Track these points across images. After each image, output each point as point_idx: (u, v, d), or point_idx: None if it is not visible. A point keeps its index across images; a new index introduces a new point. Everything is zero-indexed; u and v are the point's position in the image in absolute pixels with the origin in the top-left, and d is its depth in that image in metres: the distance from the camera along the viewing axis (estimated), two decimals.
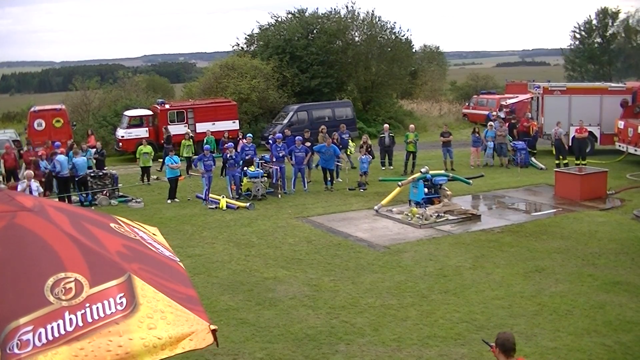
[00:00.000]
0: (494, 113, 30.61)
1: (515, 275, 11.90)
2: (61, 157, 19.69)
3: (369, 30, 39.62)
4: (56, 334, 4.35)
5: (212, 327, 4.75)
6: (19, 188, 16.43)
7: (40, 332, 4.32)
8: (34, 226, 5.04)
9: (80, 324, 4.44)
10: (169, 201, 19.75)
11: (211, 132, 26.55)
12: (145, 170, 22.89)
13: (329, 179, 20.99)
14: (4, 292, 4.54)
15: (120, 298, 4.66)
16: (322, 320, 10.04)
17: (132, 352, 4.38)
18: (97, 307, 4.56)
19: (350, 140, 24.71)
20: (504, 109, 33.14)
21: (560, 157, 23.56)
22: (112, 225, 5.90)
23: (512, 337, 5.55)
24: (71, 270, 4.72)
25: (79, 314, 4.48)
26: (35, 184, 16.85)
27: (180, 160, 21.86)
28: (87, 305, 4.55)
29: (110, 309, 4.58)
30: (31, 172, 17.55)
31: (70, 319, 4.44)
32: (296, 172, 20.84)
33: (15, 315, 4.38)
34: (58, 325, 4.39)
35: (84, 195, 19.71)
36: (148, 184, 22.54)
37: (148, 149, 22.75)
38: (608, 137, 25.98)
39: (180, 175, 20.34)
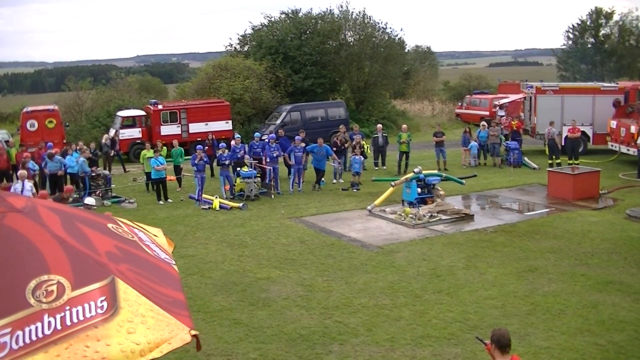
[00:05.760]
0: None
1: (508, 275, 11.92)
2: (57, 157, 19.68)
3: (362, 30, 39.63)
4: (34, 337, 4.28)
5: (193, 332, 4.66)
6: (12, 189, 16.33)
7: (17, 335, 4.25)
8: (22, 228, 4.99)
9: (59, 327, 4.38)
10: (160, 202, 19.69)
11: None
12: (150, 176, 21.17)
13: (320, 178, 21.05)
14: None
15: (101, 302, 4.60)
16: (316, 320, 10.02)
17: (109, 358, 4.32)
18: (77, 310, 4.50)
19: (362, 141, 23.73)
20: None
21: (553, 156, 23.68)
22: (109, 225, 5.85)
23: (507, 333, 5.55)
24: (55, 272, 4.67)
25: (58, 317, 4.42)
26: (29, 184, 16.76)
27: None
28: (68, 308, 4.48)
29: (90, 312, 4.52)
30: (24, 172, 17.46)
31: (49, 322, 4.38)
32: (295, 172, 20.87)
33: None
34: (36, 328, 4.32)
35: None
36: (147, 193, 21.34)
37: (152, 153, 21.14)
38: (601, 137, 26.10)
39: (165, 177, 20.07)
